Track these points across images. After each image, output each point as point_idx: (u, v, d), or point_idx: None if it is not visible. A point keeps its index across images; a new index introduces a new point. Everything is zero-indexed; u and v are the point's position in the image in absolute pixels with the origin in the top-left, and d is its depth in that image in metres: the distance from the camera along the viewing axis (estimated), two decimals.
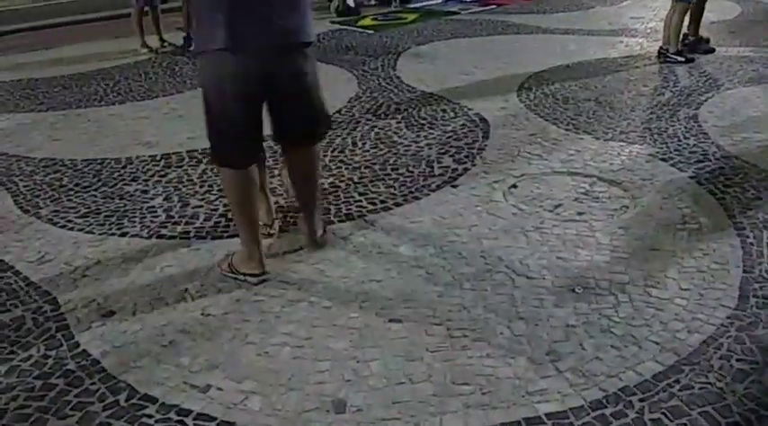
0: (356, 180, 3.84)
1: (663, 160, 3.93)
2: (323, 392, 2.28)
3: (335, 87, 5.56)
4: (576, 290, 2.76)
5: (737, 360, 2.35)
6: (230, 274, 2.93)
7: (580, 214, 3.36)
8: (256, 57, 2.61)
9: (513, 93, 5.22)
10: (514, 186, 3.68)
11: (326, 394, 2.27)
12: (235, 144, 2.76)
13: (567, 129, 4.46)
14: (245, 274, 2.90)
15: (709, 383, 2.25)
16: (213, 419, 2.18)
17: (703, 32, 6.32)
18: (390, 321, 2.63)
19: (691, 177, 3.71)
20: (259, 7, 2.57)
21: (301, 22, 2.70)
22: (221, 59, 2.60)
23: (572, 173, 3.81)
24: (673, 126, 4.45)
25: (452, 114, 4.83)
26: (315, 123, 2.94)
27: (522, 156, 4.05)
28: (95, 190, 3.86)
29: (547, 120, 4.63)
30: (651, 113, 4.73)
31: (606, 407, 2.17)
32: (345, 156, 4.17)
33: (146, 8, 7.31)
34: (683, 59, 5.89)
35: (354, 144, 4.37)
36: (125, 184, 3.91)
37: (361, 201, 3.59)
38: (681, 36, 6.02)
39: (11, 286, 2.98)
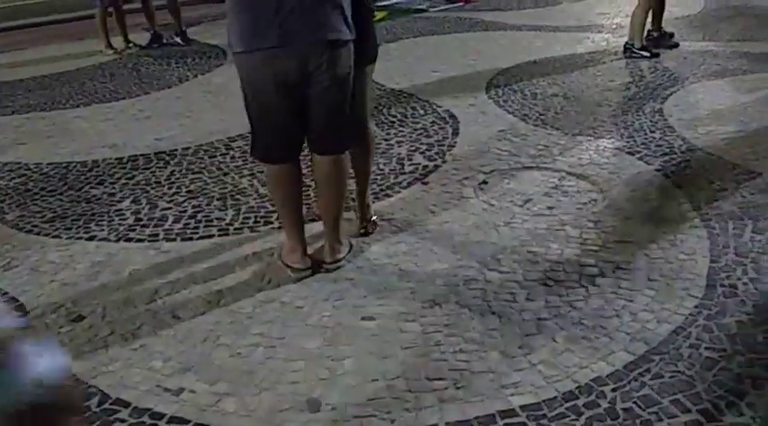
0: None
1: (630, 153, 3.99)
2: (297, 391, 2.27)
3: None
4: (548, 284, 2.79)
5: (706, 349, 2.39)
6: (280, 262, 2.97)
7: (550, 208, 3.39)
8: (298, 55, 2.57)
9: (482, 90, 5.24)
10: (485, 182, 3.70)
11: (301, 393, 2.26)
12: (272, 138, 2.77)
13: (535, 125, 4.50)
14: (287, 265, 2.94)
15: (679, 371, 2.29)
16: (187, 422, 2.16)
17: (667, 27, 6.41)
18: (363, 319, 2.63)
19: (657, 170, 3.76)
20: (299, 4, 2.52)
21: (330, 18, 2.60)
22: (256, 57, 2.58)
23: (541, 168, 3.84)
24: (639, 120, 4.51)
25: (422, 111, 4.84)
26: (336, 132, 2.81)
27: (491, 152, 4.07)
28: (61, 194, 3.80)
29: (516, 116, 4.66)
30: (618, 108, 4.79)
31: (579, 398, 2.20)
32: None
33: (110, 9, 7.20)
34: (647, 54, 5.97)
35: None
36: (92, 188, 3.85)
37: None
38: (645, 31, 6.10)
39: None
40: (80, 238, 3.30)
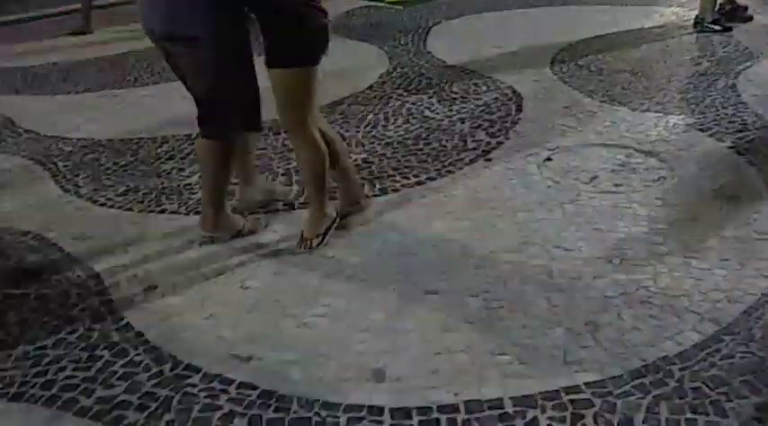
0: (389, 155, 3.84)
1: (700, 130, 3.87)
2: (362, 362, 2.31)
3: (366, 63, 5.54)
4: (614, 262, 2.75)
5: None
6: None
7: (617, 186, 3.33)
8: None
9: (546, 66, 5.15)
10: (549, 159, 3.65)
11: (366, 363, 2.30)
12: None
13: (601, 101, 4.40)
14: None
15: (751, 352, 2.24)
16: (255, 388, 2.23)
17: (741, 0, 6.15)
18: (427, 293, 2.65)
19: (729, 147, 3.64)
20: None
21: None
22: None
23: (608, 145, 3.76)
24: (710, 96, 4.36)
25: (485, 88, 4.79)
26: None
27: (556, 129, 4.01)
28: (133, 168, 3.93)
29: (581, 92, 4.57)
30: (688, 83, 4.64)
31: (646, 376, 2.17)
32: (378, 132, 4.17)
33: None
34: (719, 28, 5.74)
35: (386, 119, 4.36)
36: (162, 163, 3.97)
37: (394, 176, 3.60)
38: (717, 4, 5.87)
39: (55, 263, 3.05)
40: (152, 211, 3.41)
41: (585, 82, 4.77)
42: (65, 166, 4.05)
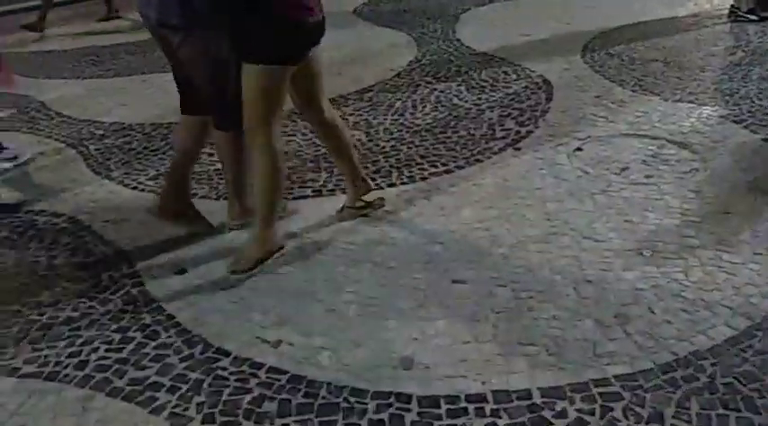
0: (417, 143, 3.84)
1: (735, 122, 3.80)
2: (390, 349, 2.32)
3: (394, 50, 5.52)
4: (645, 254, 2.72)
5: None
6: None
7: (648, 177, 3.29)
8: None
9: (577, 54, 5.09)
10: (579, 149, 3.62)
11: (394, 351, 2.31)
12: None
13: (633, 91, 4.34)
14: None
15: None
16: (285, 372, 2.25)
17: None
18: (455, 282, 2.65)
19: (764, 139, 3.58)
20: None
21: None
22: None
23: (639, 136, 3.71)
24: (745, 87, 4.28)
25: (514, 76, 4.75)
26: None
27: (586, 119, 3.97)
28: (164, 153, 3.96)
29: (612, 82, 4.51)
30: (722, 74, 4.56)
31: (676, 370, 2.16)
32: (406, 120, 4.16)
33: None
34: (755, 18, 5.62)
35: (415, 107, 4.35)
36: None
37: (422, 164, 3.59)
38: None
39: (87, 245, 3.10)
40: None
41: (617, 71, 4.71)
42: (96, 150, 4.10)
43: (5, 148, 3.97)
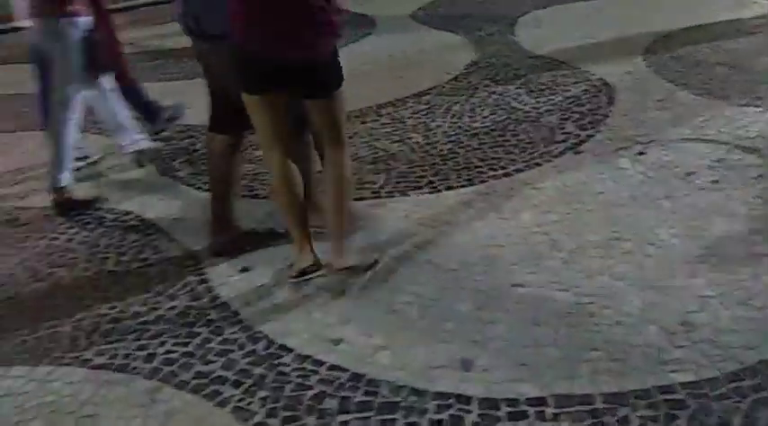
0: (475, 146, 3.84)
1: None
2: (450, 350, 2.33)
3: (451, 54, 5.53)
4: (711, 261, 2.66)
5: None
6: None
7: (714, 182, 3.22)
8: None
9: (639, 57, 5.00)
10: (642, 153, 3.56)
11: (454, 352, 2.32)
12: None
13: (698, 94, 4.25)
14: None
15: None
16: (345, 370, 2.29)
17: None
18: (514, 285, 2.64)
19: None
20: None
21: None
22: None
23: (705, 140, 3.63)
24: None
25: (574, 79, 4.70)
26: None
27: (649, 122, 3.90)
28: None
29: (676, 85, 4.42)
30: None
31: (744, 380, 2.10)
32: (464, 123, 4.17)
33: None
34: None
35: (473, 110, 4.35)
36: (255, 149, 4.06)
37: (481, 167, 3.59)
38: None
39: (155, 241, 3.21)
40: (245, 196, 3.49)
41: (681, 74, 4.61)
42: (163, 151, 4.22)
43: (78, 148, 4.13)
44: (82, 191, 3.71)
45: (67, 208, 3.55)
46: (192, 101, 5.06)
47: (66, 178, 3.57)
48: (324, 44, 2.55)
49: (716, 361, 2.18)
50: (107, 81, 3.79)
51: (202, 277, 2.88)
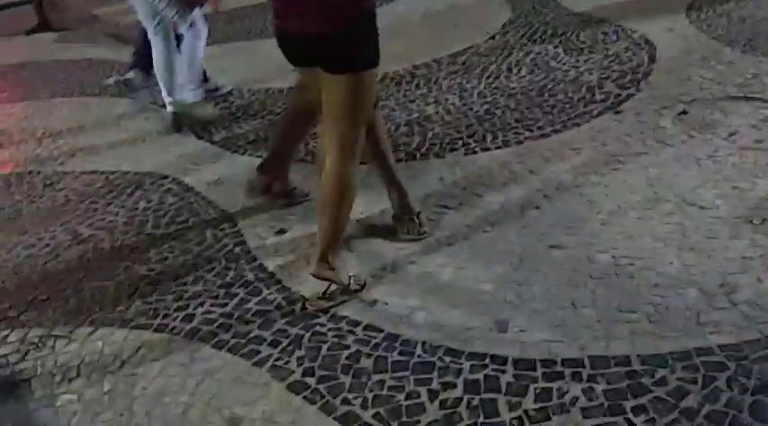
0: (512, 106, 3.77)
1: None
2: (486, 311, 2.33)
3: (487, 12, 5.42)
4: (754, 222, 2.60)
5: None
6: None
7: (758, 142, 3.12)
8: None
9: (682, 14, 4.83)
10: (684, 112, 3.46)
11: (489, 313, 2.32)
12: None
13: (743, 51, 4.09)
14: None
15: None
16: (380, 331, 2.30)
17: None
18: (551, 247, 2.61)
19: None
20: None
21: None
22: None
23: (749, 98, 3.51)
24: None
25: (614, 37, 4.57)
26: None
27: (692, 80, 3.78)
28: (262, 117, 4.08)
29: (720, 42, 4.27)
30: None
31: None
32: (500, 83, 4.10)
33: None
34: None
35: (509, 70, 4.27)
36: None
37: (517, 128, 3.53)
38: None
39: (192, 205, 3.25)
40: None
41: (725, 30, 4.44)
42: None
43: (208, 80, 4.46)
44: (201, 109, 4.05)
45: (187, 123, 4.01)
46: (226, 65, 5.09)
47: (197, 94, 4.05)
48: (334, 15, 2.28)
49: (757, 323, 2.14)
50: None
51: (240, 239, 2.92)
